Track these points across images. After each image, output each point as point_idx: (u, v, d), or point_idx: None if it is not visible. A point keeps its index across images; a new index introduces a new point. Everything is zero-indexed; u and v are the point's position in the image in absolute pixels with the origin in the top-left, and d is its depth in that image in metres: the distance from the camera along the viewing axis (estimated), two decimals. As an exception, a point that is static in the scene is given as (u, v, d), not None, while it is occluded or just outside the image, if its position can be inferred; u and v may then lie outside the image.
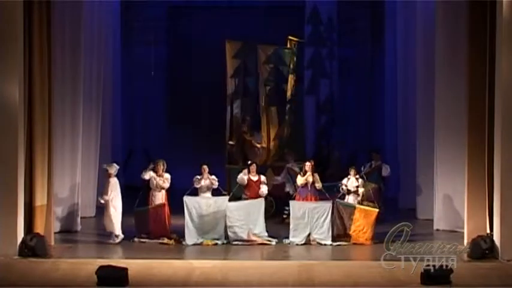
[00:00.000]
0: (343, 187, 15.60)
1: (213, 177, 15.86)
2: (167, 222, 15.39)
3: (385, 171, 17.52)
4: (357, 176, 15.66)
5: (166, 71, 23.38)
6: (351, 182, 15.61)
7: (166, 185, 15.51)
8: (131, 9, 22.60)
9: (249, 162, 16.44)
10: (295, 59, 18.88)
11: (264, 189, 15.93)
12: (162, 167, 15.54)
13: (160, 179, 15.47)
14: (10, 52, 13.66)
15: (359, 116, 23.08)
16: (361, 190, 15.60)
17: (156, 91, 23.21)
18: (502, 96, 13.63)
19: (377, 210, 15.19)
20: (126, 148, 22.51)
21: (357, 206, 15.34)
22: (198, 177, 15.67)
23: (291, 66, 18.81)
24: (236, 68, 18.56)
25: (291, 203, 15.52)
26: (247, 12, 22.32)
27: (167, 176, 15.55)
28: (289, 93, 18.78)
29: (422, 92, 17.53)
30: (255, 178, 16.01)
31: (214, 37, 20.18)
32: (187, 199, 15.29)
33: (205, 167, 15.76)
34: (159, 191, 15.49)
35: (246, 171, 16.10)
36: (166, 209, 15.40)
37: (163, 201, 15.46)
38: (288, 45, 18.88)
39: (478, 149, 14.33)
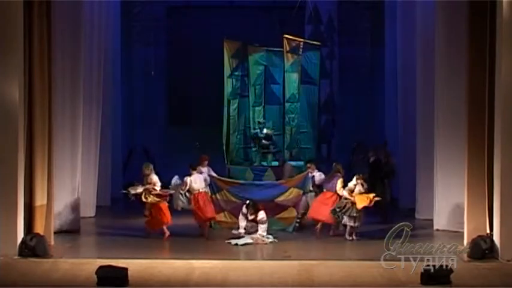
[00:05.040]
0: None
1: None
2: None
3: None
4: (361, 182, 15.62)
5: (166, 71, 23.41)
6: (358, 188, 15.60)
7: (157, 187, 15.51)
8: (131, 9, 22.62)
9: (247, 202, 15.89)
10: (294, 57, 18.76)
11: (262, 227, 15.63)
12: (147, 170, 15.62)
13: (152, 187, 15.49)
14: (10, 52, 13.64)
15: (359, 116, 23.08)
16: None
17: (156, 91, 23.24)
18: (502, 96, 13.63)
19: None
20: (126, 148, 22.50)
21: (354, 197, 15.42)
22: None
23: (288, 65, 18.73)
24: (234, 68, 18.54)
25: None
26: (247, 12, 22.32)
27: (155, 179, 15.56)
28: (288, 94, 18.71)
29: (422, 92, 17.51)
30: (252, 217, 15.73)
31: (214, 37, 20.18)
32: None
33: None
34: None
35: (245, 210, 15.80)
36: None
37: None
38: (286, 45, 18.81)
39: (478, 149, 14.32)
